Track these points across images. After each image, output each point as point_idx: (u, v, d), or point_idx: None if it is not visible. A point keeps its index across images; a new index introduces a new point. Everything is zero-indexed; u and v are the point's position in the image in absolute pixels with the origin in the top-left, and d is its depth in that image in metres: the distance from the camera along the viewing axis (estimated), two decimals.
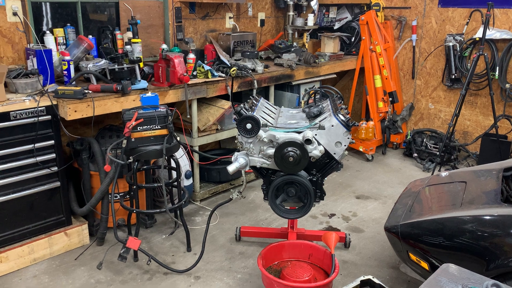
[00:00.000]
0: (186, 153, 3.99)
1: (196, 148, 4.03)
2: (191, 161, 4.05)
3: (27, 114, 3.01)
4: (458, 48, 5.05)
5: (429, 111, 5.61)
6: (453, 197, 2.80)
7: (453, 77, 5.17)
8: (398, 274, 3.19)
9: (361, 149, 5.32)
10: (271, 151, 2.82)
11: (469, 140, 5.26)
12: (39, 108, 3.04)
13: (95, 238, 3.50)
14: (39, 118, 3.05)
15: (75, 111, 3.12)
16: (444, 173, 3.23)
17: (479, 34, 4.73)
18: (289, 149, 2.75)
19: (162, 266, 3.16)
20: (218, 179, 4.43)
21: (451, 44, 5.07)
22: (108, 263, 3.25)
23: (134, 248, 3.04)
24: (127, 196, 3.46)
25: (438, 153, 4.87)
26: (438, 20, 5.28)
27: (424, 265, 2.58)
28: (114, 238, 3.15)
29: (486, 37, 4.53)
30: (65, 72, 3.41)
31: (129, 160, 3.08)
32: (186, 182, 3.99)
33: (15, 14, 3.36)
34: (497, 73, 4.73)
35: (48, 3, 3.66)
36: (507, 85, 4.71)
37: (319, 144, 2.82)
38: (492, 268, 2.22)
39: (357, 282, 2.58)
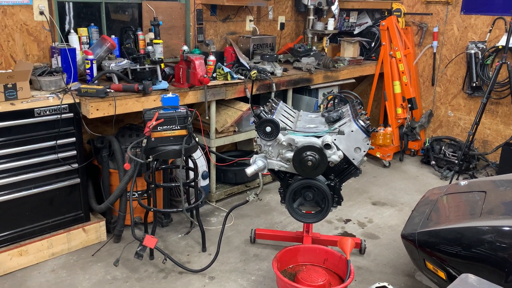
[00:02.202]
0: (203, 154, 4.02)
1: (214, 149, 4.06)
2: (208, 161, 4.08)
3: (51, 111, 3.07)
4: (480, 56, 4.99)
5: (448, 118, 5.54)
6: (472, 206, 2.77)
7: (474, 85, 5.10)
8: (414, 283, 3.16)
9: (378, 155, 5.29)
10: (290, 154, 2.83)
11: (488, 149, 5.18)
12: (62, 106, 3.10)
13: (112, 235, 3.55)
14: (62, 116, 3.11)
15: (97, 109, 3.17)
16: (463, 182, 3.20)
17: (502, 42, 4.67)
18: (308, 153, 2.75)
19: (178, 265, 3.19)
20: (234, 181, 4.45)
21: (473, 51, 5.01)
22: (125, 260, 3.29)
23: (150, 246, 3.07)
24: (145, 195, 3.49)
25: (456, 161, 4.81)
26: (460, 27, 5.23)
27: (441, 274, 2.56)
28: (131, 235, 3.19)
29: (510, 45, 4.46)
30: (88, 71, 3.47)
31: (148, 159, 3.12)
32: (202, 183, 4.02)
33: (41, 13, 3.43)
34: None
35: (72, 3, 3.73)
36: None
37: (338, 149, 2.82)
38: None
39: None
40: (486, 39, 4.99)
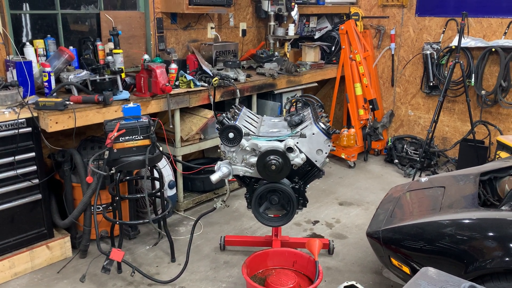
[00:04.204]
0: (169, 163, 3.99)
1: (179, 158, 4.03)
2: (175, 171, 4.05)
3: (7, 126, 2.98)
4: (435, 56, 5.17)
5: (409, 117, 5.71)
6: (432, 202, 2.86)
7: (431, 84, 5.29)
8: (381, 279, 3.23)
9: (343, 156, 5.39)
10: (254, 159, 2.85)
11: (448, 145, 5.37)
12: (19, 120, 3.02)
13: (78, 250, 3.46)
14: (20, 130, 3.03)
15: (56, 122, 3.10)
16: (423, 179, 3.30)
17: (455, 43, 4.86)
18: (271, 157, 2.78)
19: (146, 277, 3.14)
20: (202, 189, 4.43)
21: (428, 52, 5.19)
22: (92, 275, 3.22)
23: (117, 259, 3.01)
24: (110, 208, 3.43)
25: (418, 159, 4.96)
26: (415, 29, 5.41)
27: (406, 269, 2.62)
28: (97, 250, 3.13)
29: (462, 45, 4.66)
30: (46, 83, 3.39)
31: (111, 171, 3.07)
32: (169, 192, 3.98)
33: None
34: (473, 80, 4.86)
35: (27, 15, 3.64)
36: (483, 92, 4.84)
37: (300, 152, 2.86)
38: (471, 271, 2.27)
39: None
40: (440, 40, 5.18)
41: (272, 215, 3.06)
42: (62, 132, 3.61)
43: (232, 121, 2.94)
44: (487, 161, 4.74)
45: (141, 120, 3.11)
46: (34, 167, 3.17)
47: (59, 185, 3.57)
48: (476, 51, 4.89)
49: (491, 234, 2.33)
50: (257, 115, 3.49)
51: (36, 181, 3.20)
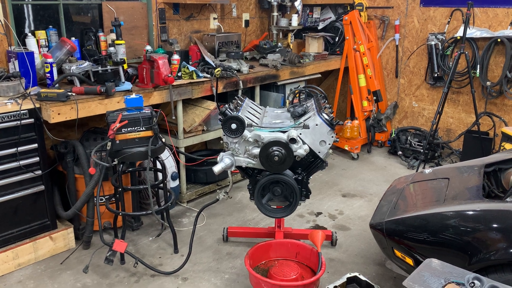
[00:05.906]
0: (172, 155, 3.98)
1: (182, 149, 4.02)
2: (177, 162, 4.04)
3: (10, 117, 2.97)
4: (440, 47, 5.12)
5: (413, 109, 5.68)
6: (436, 193, 2.84)
7: (436, 75, 5.24)
8: (384, 271, 3.23)
9: (346, 148, 5.37)
10: (257, 150, 2.83)
11: (452, 137, 5.33)
12: (22, 112, 3.01)
13: (81, 241, 3.47)
14: (22, 122, 3.02)
15: (59, 113, 3.09)
16: (427, 170, 3.28)
17: (460, 33, 4.81)
18: (274, 148, 2.76)
19: (149, 268, 3.15)
20: (205, 180, 4.42)
21: (433, 43, 5.14)
22: (95, 266, 3.23)
23: (120, 251, 3.02)
24: (113, 199, 3.43)
25: (422, 150, 4.93)
26: (420, 20, 5.35)
27: (409, 261, 2.61)
28: (100, 241, 3.12)
29: (467, 36, 4.60)
30: (48, 74, 3.38)
31: (114, 163, 3.07)
32: (172, 184, 3.98)
33: None
34: (478, 71, 4.81)
35: (29, 5, 3.63)
36: (488, 83, 4.79)
37: (303, 143, 2.85)
38: (475, 262, 2.26)
39: (343, 279, 2.61)
40: (445, 30, 5.12)
41: (275, 207, 3.05)
42: (64, 123, 3.59)
43: (235, 112, 2.92)
44: (491, 152, 4.71)
45: (144, 111, 3.10)
46: (37, 158, 3.17)
47: (62, 177, 3.57)
48: (482, 42, 4.84)
49: (495, 225, 2.32)
50: (260, 106, 3.47)
51: (38, 172, 3.20)
